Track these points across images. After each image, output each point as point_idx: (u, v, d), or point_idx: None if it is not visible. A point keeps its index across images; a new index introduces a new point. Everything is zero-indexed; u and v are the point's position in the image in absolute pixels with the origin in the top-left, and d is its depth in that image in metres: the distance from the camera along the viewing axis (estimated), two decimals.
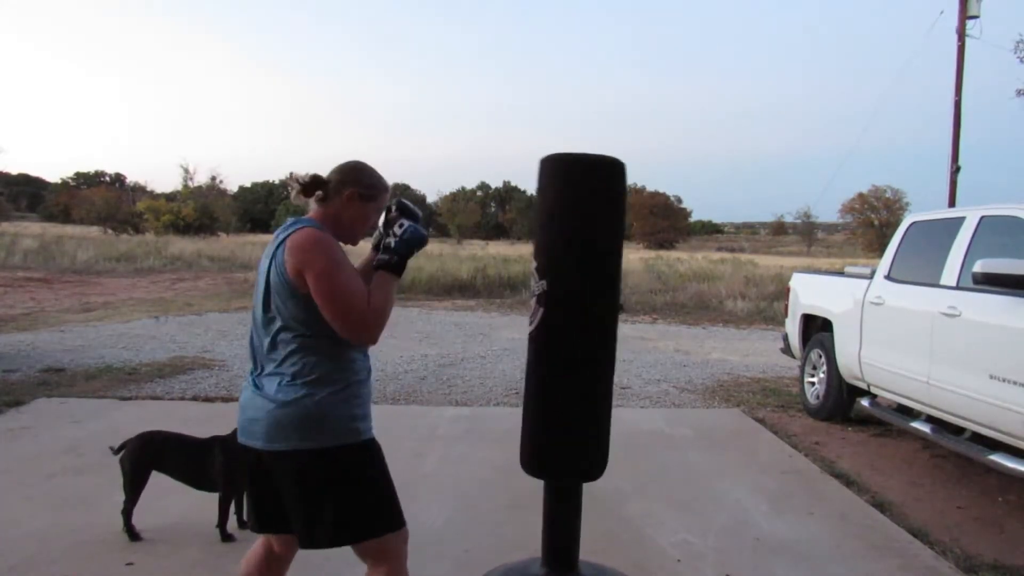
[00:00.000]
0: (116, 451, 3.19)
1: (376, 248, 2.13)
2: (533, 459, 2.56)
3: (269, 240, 2.01)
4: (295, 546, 2.08)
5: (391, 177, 2.02)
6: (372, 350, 2.05)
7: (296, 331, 1.88)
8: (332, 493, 1.89)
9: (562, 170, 2.44)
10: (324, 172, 2.02)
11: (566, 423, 2.47)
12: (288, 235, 1.89)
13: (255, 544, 2.17)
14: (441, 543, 3.19)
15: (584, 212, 2.41)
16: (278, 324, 1.89)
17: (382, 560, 1.97)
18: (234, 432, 3.16)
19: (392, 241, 2.00)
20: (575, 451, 2.50)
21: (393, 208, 2.09)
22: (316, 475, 1.88)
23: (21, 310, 10.99)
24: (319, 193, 1.98)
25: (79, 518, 3.34)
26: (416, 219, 2.08)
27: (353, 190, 1.98)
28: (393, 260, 1.98)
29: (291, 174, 2.01)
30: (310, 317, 1.86)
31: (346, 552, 1.97)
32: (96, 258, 20.86)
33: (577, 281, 2.42)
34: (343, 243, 1.98)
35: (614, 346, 2.55)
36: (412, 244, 2.02)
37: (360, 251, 2.22)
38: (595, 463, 2.54)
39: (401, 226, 2.02)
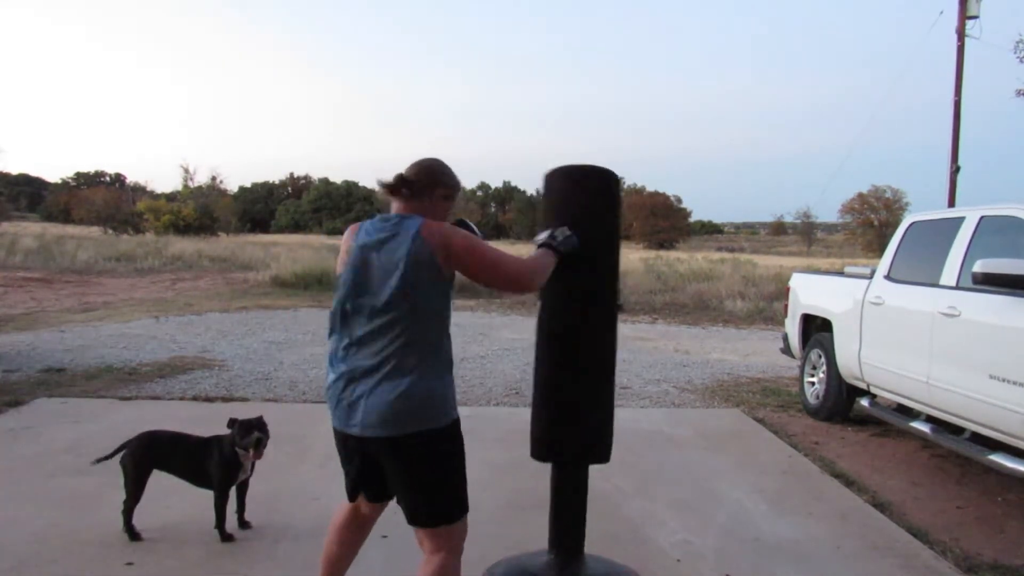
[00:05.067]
0: (100, 460, 3.23)
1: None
2: (539, 444, 2.66)
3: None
4: (381, 509, 2.24)
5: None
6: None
7: (407, 321, 1.95)
8: (440, 470, 1.99)
9: (563, 180, 2.67)
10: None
11: (569, 408, 2.57)
12: (418, 229, 1.97)
13: (339, 506, 2.27)
14: None
15: (582, 214, 2.58)
16: (389, 315, 1.95)
17: (444, 545, 2.01)
18: (228, 434, 3.17)
19: (558, 237, 2.39)
20: (578, 436, 2.59)
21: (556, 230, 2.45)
22: (428, 455, 1.98)
23: (21, 310, 11.00)
24: (404, 191, 2.07)
25: (79, 518, 3.34)
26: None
27: (443, 190, 2.12)
28: (555, 244, 2.36)
29: (378, 180, 2.14)
30: (435, 302, 1.99)
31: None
32: (96, 258, 20.83)
33: (574, 272, 2.51)
34: None
35: (614, 335, 2.64)
36: (571, 247, 2.40)
37: None
38: (600, 447, 2.64)
39: (564, 233, 2.39)
